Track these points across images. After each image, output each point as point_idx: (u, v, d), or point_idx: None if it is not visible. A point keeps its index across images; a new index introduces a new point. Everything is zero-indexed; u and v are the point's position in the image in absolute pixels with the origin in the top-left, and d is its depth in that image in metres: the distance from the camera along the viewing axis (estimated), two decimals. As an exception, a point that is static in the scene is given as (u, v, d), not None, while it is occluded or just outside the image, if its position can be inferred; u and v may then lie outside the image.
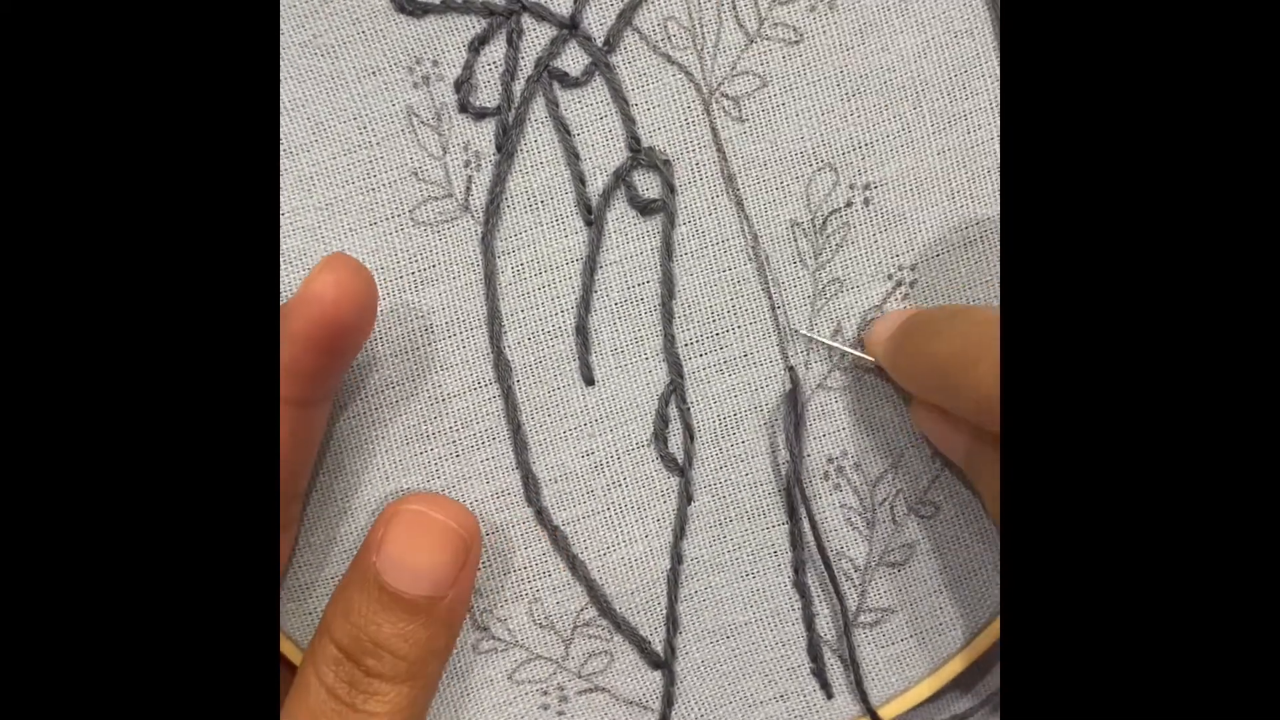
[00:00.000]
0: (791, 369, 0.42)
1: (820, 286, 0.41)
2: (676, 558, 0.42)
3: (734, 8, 0.41)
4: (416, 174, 0.41)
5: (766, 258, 0.41)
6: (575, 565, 0.42)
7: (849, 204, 0.41)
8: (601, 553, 0.42)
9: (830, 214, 0.41)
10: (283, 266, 0.40)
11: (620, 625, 0.42)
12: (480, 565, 0.42)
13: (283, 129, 0.41)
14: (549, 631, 0.42)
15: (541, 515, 0.42)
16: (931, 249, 0.41)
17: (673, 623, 0.42)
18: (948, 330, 0.37)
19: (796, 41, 0.41)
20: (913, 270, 0.42)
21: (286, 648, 0.42)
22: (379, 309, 0.41)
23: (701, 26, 0.41)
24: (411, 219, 0.41)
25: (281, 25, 0.41)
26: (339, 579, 0.41)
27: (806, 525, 0.42)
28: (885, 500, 0.42)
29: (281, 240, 0.41)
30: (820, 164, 0.41)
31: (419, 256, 0.41)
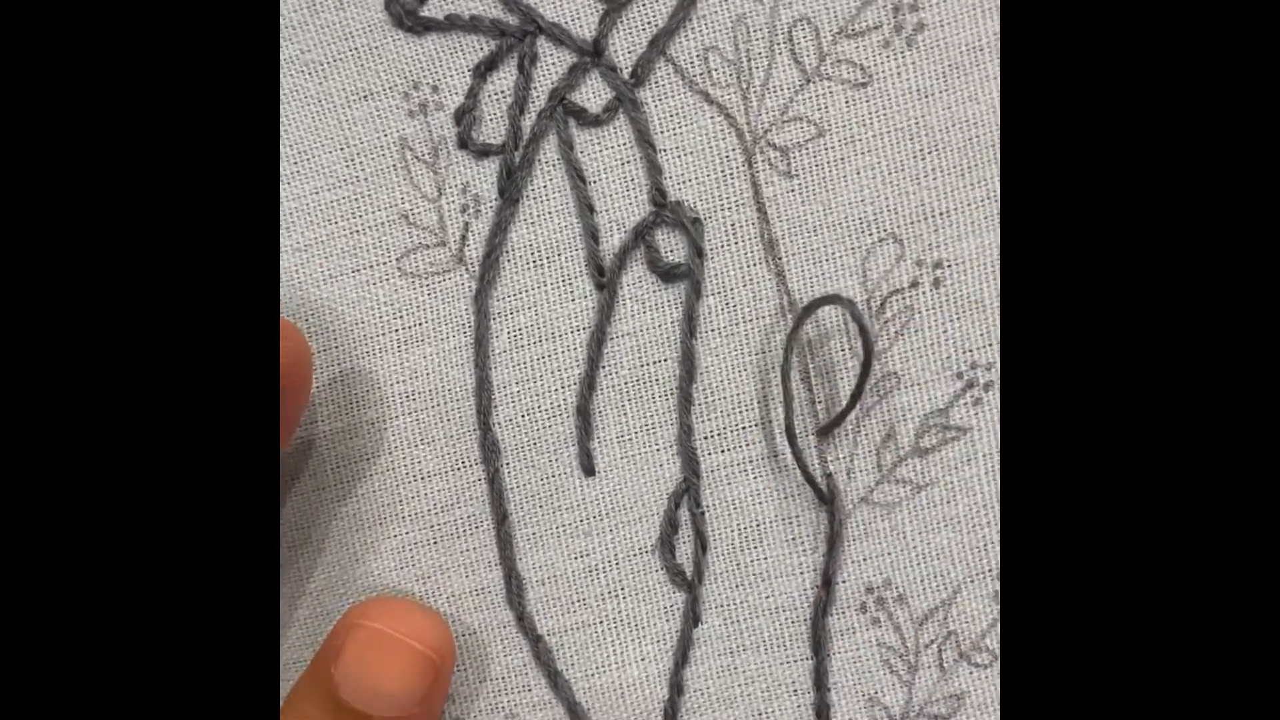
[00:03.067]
0: (830, 476, 0.31)
1: (872, 381, 0.30)
2: (677, 687, 0.31)
3: (790, 39, 0.30)
4: (407, 217, 0.31)
5: (809, 342, 0.31)
6: (558, 683, 0.32)
7: (915, 284, 0.30)
8: (589, 673, 0.32)
9: (891, 294, 0.30)
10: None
11: (606, 758, 0.31)
12: (454, 670, 0.32)
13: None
14: (526, 754, 0.32)
15: (524, 621, 0.32)
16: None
17: (668, 762, 0.31)
18: None
19: (864, 84, 0.30)
20: (989, 370, 0.30)
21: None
22: (377, 366, 0.32)
23: (749, 60, 0.30)
24: (398, 268, 0.31)
25: (264, 37, 0.33)
26: (300, 664, 0.32)
27: (832, 661, 0.31)
28: (933, 642, 0.31)
29: (255, 282, 0.35)
30: (883, 234, 0.30)
31: (404, 312, 0.31)
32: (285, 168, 0.32)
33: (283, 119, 0.32)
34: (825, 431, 0.31)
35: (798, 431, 0.31)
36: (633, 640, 0.32)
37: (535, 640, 0.32)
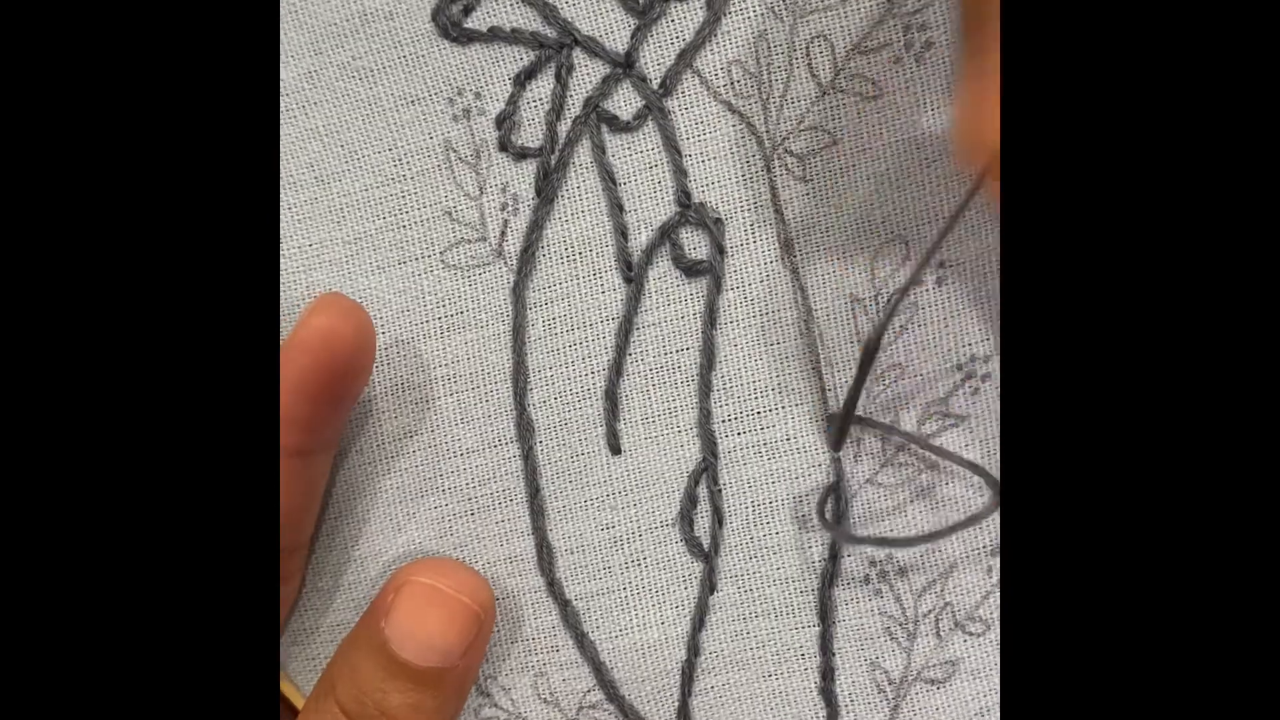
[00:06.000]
0: (838, 459, 0.33)
1: (879, 371, 0.32)
2: (693, 649, 0.33)
3: (807, 54, 0.32)
4: (450, 214, 0.33)
5: (820, 334, 0.32)
6: (584, 644, 0.34)
7: (919, 282, 0.32)
8: (613, 634, 0.34)
9: (896, 293, 0.32)
10: (308, 302, 0.32)
11: (628, 713, 0.34)
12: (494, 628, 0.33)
13: (316, 155, 0.33)
14: (553, 708, 0.34)
15: (553, 587, 0.34)
16: (1009, 340, 0.35)
17: (685, 717, 0.34)
18: None
19: (875, 96, 0.31)
20: (986, 362, 0.32)
21: (287, 689, 0.35)
22: (422, 350, 0.33)
23: (769, 73, 0.32)
24: (442, 261, 0.33)
25: (319, 44, 0.33)
26: (344, 626, 0.34)
27: (837, 628, 0.33)
28: (930, 612, 0.33)
29: (307, 274, 0.33)
30: (890, 235, 0.32)
31: (447, 301, 0.33)
32: (336, 166, 0.33)
33: (334, 121, 0.33)
34: (837, 442, 0.32)
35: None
36: (654, 606, 0.34)
37: (564, 605, 0.34)
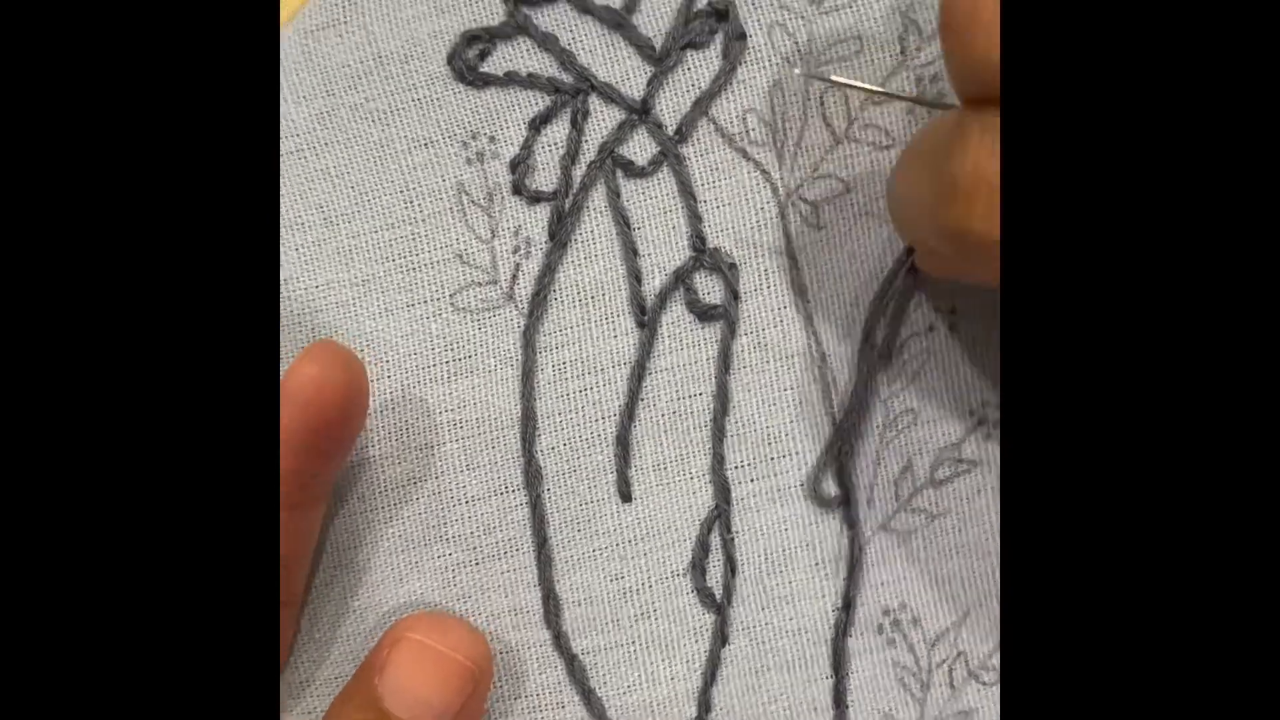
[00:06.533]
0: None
1: (891, 417, 0.32)
2: (704, 705, 0.32)
3: (822, 104, 0.32)
4: (461, 256, 0.33)
5: (834, 380, 0.32)
6: (591, 700, 0.32)
7: (931, 328, 0.32)
8: (622, 691, 0.32)
9: (910, 337, 0.32)
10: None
11: (635, 773, 0.32)
12: (492, 685, 0.32)
13: (326, 196, 0.33)
14: (557, 769, 0.32)
15: (560, 640, 0.32)
16: (1020, 387, 0.35)
17: (695, 777, 0.32)
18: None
19: (888, 146, 0.32)
20: (999, 408, 0.32)
21: (275, 752, 0.36)
22: (428, 394, 0.33)
23: (784, 122, 0.32)
24: (451, 304, 0.33)
25: (331, 85, 0.33)
26: (340, 679, 0.33)
27: (851, 680, 0.32)
28: (944, 662, 0.32)
29: (314, 315, 0.33)
30: (903, 282, 0.32)
31: (455, 345, 0.33)
32: (345, 207, 0.33)
33: (345, 162, 0.33)
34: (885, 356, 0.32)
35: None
36: (664, 660, 0.33)
37: (570, 659, 0.33)
